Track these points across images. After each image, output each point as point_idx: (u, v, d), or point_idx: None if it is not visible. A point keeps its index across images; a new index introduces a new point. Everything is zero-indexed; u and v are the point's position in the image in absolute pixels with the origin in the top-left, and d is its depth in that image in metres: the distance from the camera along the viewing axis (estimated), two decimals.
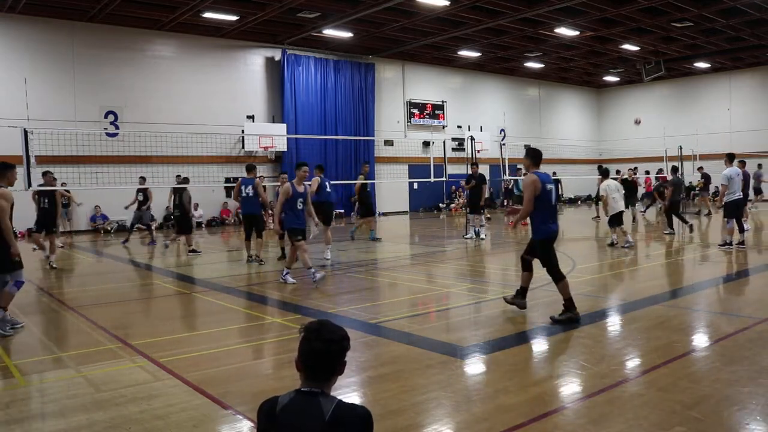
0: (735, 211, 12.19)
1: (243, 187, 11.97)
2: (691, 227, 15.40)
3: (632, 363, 5.25)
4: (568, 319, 6.51)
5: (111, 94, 20.93)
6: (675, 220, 15.49)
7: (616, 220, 12.99)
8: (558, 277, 6.68)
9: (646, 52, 27.57)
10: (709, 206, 22.55)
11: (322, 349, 2.10)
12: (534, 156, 6.87)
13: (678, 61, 29.39)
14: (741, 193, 12.33)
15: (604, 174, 13.52)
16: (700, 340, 6.01)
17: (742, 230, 12.38)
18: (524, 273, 7.09)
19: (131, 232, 17.52)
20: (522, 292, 7.07)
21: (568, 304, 6.60)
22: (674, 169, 16.60)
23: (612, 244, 13.05)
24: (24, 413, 4.29)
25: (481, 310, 7.40)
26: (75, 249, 16.18)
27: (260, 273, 10.99)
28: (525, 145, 6.96)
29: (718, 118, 32.51)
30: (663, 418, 3.91)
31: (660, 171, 27.67)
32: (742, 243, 12.24)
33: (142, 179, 16.69)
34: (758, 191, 23.22)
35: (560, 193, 24.35)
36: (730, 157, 12.46)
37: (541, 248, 6.76)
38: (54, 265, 12.00)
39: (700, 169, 23.10)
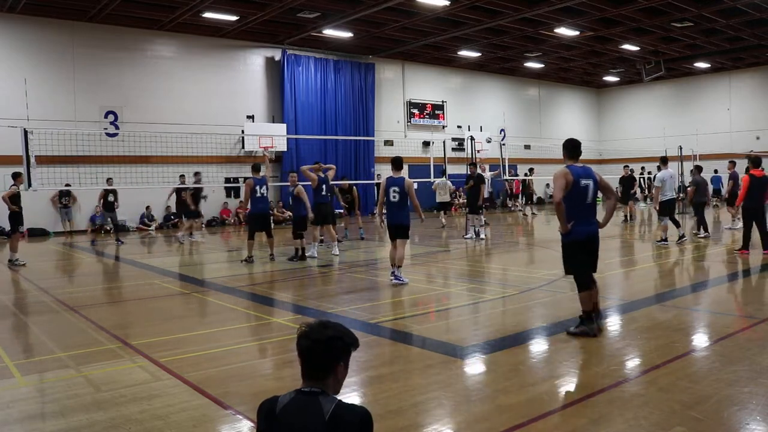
0: (669, 210, 13.15)
1: (258, 187, 12.06)
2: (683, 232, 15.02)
3: (632, 363, 5.24)
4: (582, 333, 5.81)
5: (111, 94, 20.94)
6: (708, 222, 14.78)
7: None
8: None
9: (646, 52, 27.56)
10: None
11: (308, 348, 2.12)
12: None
13: (678, 61, 29.38)
14: (673, 194, 13.47)
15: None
16: (700, 340, 6.01)
17: (678, 225, 13.26)
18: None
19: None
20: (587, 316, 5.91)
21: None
22: (698, 169, 15.36)
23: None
24: (24, 413, 4.29)
25: (481, 310, 7.40)
26: (75, 249, 16.19)
27: (260, 273, 11.00)
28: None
29: (718, 118, 32.51)
30: (663, 418, 3.91)
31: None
32: (683, 237, 13.05)
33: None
34: (717, 192, 25.23)
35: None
36: (663, 161, 13.45)
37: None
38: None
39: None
